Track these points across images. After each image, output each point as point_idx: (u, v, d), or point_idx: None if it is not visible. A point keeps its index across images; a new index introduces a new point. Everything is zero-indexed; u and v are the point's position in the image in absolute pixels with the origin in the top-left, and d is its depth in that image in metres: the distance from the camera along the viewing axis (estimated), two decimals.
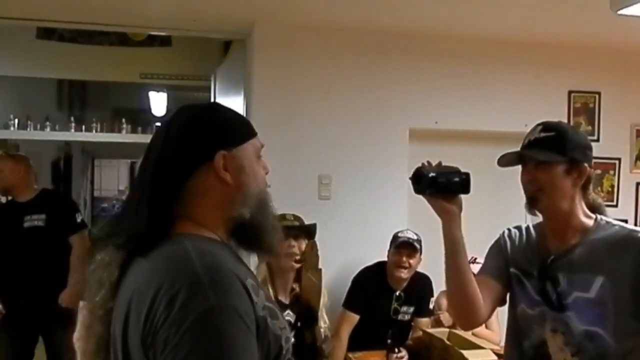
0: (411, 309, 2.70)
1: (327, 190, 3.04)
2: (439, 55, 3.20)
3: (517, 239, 1.44)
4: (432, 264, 2.45)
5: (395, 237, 2.70)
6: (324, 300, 1.96)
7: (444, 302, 2.56)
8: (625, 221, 1.43)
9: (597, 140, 3.43)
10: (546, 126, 1.35)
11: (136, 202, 0.89)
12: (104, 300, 0.88)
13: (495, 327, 2.56)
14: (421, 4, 2.73)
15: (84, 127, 5.23)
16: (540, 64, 3.31)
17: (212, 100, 3.93)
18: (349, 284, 2.75)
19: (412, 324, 2.69)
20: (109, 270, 0.88)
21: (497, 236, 1.49)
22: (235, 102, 3.33)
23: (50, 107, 5.88)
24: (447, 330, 2.43)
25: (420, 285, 2.72)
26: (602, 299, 1.26)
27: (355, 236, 2.99)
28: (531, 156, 1.33)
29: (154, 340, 0.78)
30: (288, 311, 1.84)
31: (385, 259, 2.73)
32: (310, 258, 1.86)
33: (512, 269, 1.41)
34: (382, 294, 2.69)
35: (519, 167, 1.39)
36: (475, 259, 1.98)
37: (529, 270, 1.38)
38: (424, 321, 2.68)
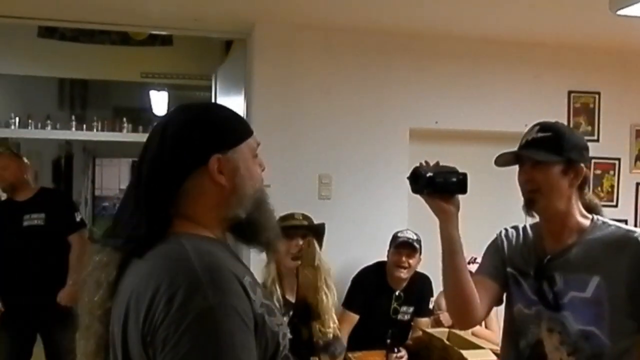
0: (411, 309, 2.70)
1: (327, 190, 3.05)
2: (439, 55, 3.20)
3: (514, 239, 1.44)
4: (431, 263, 2.44)
5: (395, 237, 2.71)
6: (333, 300, 1.96)
7: (444, 302, 2.56)
8: (625, 221, 1.45)
9: (597, 140, 3.44)
10: (543, 126, 1.36)
11: (133, 203, 0.90)
12: (103, 300, 0.89)
13: (495, 327, 2.57)
14: (421, 4, 2.74)
15: (85, 126, 5.22)
16: (540, 64, 3.32)
17: (213, 99, 3.93)
18: (349, 283, 2.75)
19: (412, 324, 2.70)
20: (106, 271, 0.89)
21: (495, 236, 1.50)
22: (235, 102, 3.34)
23: (51, 106, 5.88)
24: (447, 330, 2.44)
25: (420, 285, 2.73)
26: (598, 298, 1.27)
27: (355, 236, 3.00)
28: (528, 156, 1.34)
29: (153, 339, 0.78)
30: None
31: (385, 258, 2.73)
32: (306, 255, 1.87)
33: (508, 269, 1.42)
34: (381, 293, 2.69)
35: (518, 167, 1.40)
36: (475, 258, 1.99)
37: (526, 270, 1.38)
38: (424, 321, 2.69)
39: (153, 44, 4.15)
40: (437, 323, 2.60)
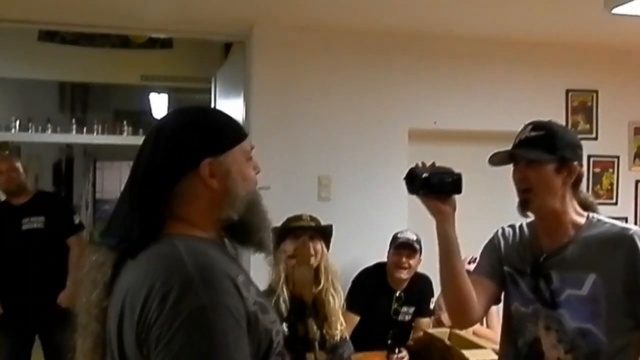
0: (411, 310, 2.71)
1: (326, 191, 3.06)
2: (438, 55, 3.21)
3: (510, 238, 1.45)
4: (432, 264, 2.44)
5: (395, 237, 2.71)
6: (340, 302, 1.98)
7: None
8: (625, 219, 1.45)
9: (596, 138, 3.45)
10: (536, 125, 1.37)
11: (128, 204, 0.93)
12: (99, 300, 0.91)
13: (497, 326, 2.56)
14: (420, 4, 2.75)
15: (85, 129, 5.24)
16: (538, 63, 3.32)
17: (212, 102, 3.95)
18: (349, 284, 2.76)
19: (413, 324, 2.70)
20: (102, 271, 0.91)
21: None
22: (235, 104, 3.35)
23: (51, 109, 5.90)
24: (448, 330, 2.44)
25: (421, 285, 2.73)
26: (595, 296, 1.27)
27: (355, 237, 3.00)
28: (521, 155, 1.35)
29: (147, 337, 0.80)
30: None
31: (385, 259, 2.74)
32: (301, 254, 1.89)
33: (505, 268, 1.42)
34: (382, 294, 2.69)
35: (513, 166, 1.41)
36: (475, 258, 1.99)
37: (522, 268, 1.39)
38: (425, 321, 2.69)
39: (153, 47, 4.17)
40: (438, 323, 2.61)
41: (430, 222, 1.42)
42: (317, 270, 1.93)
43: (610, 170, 3.48)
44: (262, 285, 1.87)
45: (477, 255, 1.85)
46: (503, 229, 1.48)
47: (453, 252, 1.36)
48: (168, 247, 0.87)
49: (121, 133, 5.27)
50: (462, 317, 1.44)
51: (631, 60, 3.43)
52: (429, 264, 2.67)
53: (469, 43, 3.21)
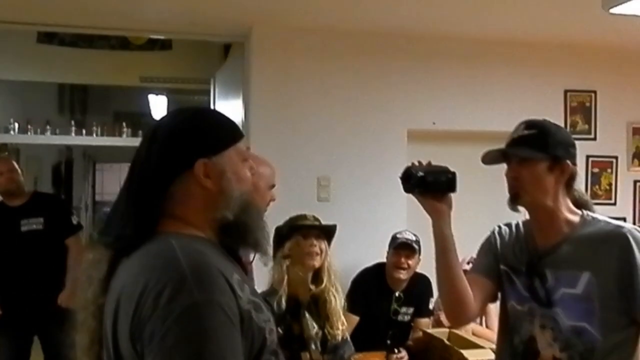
0: (411, 310, 2.71)
1: (325, 192, 3.06)
2: (436, 56, 3.22)
3: (507, 236, 1.46)
4: (431, 264, 2.44)
5: (394, 238, 2.72)
6: (340, 302, 1.98)
7: None
8: (624, 219, 1.45)
9: (594, 139, 3.45)
10: (529, 124, 1.37)
11: (124, 203, 0.94)
12: (95, 296, 0.92)
13: (496, 327, 2.57)
14: (418, 5, 2.76)
15: (84, 131, 5.24)
16: (537, 63, 3.33)
17: (211, 103, 3.95)
18: (349, 285, 2.76)
19: (412, 324, 2.71)
20: (98, 268, 0.93)
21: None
22: (234, 105, 3.36)
23: (51, 111, 5.91)
24: (447, 330, 2.44)
25: (420, 285, 2.73)
26: (589, 294, 1.27)
27: (354, 237, 3.00)
28: (513, 153, 1.36)
29: (141, 334, 0.81)
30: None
31: (385, 260, 2.74)
32: (295, 253, 1.90)
33: (502, 266, 1.43)
34: (381, 295, 2.70)
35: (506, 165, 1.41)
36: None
37: (518, 267, 1.40)
38: (424, 321, 2.69)
39: (152, 48, 4.17)
40: (438, 323, 2.61)
41: (429, 223, 1.43)
42: (320, 269, 1.93)
43: (609, 170, 3.49)
44: (263, 285, 1.89)
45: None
46: (500, 227, 1.49)
47: (449, 250, 1.37)
48: (163, 245, 0.89)
49: (120, 135, 5.28)
50: (458, 314, 1.45)
51: (630, 61, 3.44)
52: (428, 264, 2.67)
53: (468, 44, 3.21)
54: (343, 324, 1.96)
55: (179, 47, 4.17)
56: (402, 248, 2.66)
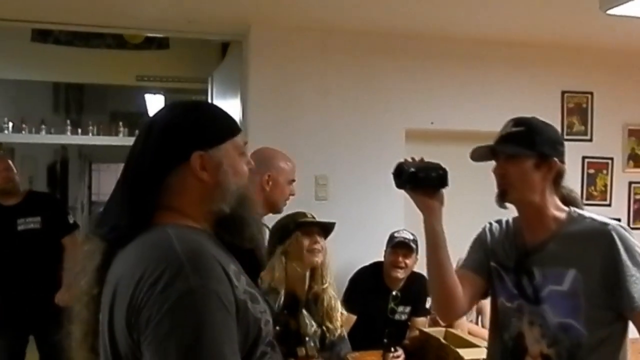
0: (408, 309, 2.71)
1: (323, 191, 3.06)
2: (434, 56, 3.22)
3: (497, 233, 1.46)
4: None
5: (392, 237, 2.72)
6: (336, 300, 1.99)
7: None
8: (619, 220, 1.45)
9: (590, 140, 3.47)
10: (517, 121, 1.39)
11: (119, 195, 0.95)
12: (89, 287, 0.93)
13: None
14: (416, 5, 2.76)
15: (80, 130, 5.21)
16: (534, 64, 3.34)
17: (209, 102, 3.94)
18: (346, 284, 2.76)
19: (409, 323, 2.71)
20: (92, 258, 0.93)
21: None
22: (232, 104, 3.35)
23: (46, 110, 5.88)
24: (444, 329, 2.45)
25: (417, 284, 2.73)
26: (575, 291, 1.28)
27: (351, 236, 3.00)
28: (501, 150, 1.37)
29: (137, 320, 0.82)
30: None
31: (382, 259, 2.74)
32: (295, 249, 1.90)
33: (492, 263, 1.44)
34: (378, 294, 2.70)
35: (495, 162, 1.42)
36: None
37: (507, 263, 1.40)
38: (421, 320, 2.70)
39: (149, 47, 4.16)
40: (434, 322, 2.61)
41: None
42: (317, 267, 1.93)
43: (605, 171, 3.51)
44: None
45: None
46: (491, 224, 1.50)
47: (439, 246, 1.37)
48: (160, 234, 0.89)
49: (117, 134, 5.25)
50: (447, 310, 1.46)
51: (626, 63, 3.46)
52: (425, 264, 2.68)
53: (465, 44, 3.22)
54: (342, 315, 1.97)
55: (176, 46, 4.16)
56: (399, 247, 2.66)
